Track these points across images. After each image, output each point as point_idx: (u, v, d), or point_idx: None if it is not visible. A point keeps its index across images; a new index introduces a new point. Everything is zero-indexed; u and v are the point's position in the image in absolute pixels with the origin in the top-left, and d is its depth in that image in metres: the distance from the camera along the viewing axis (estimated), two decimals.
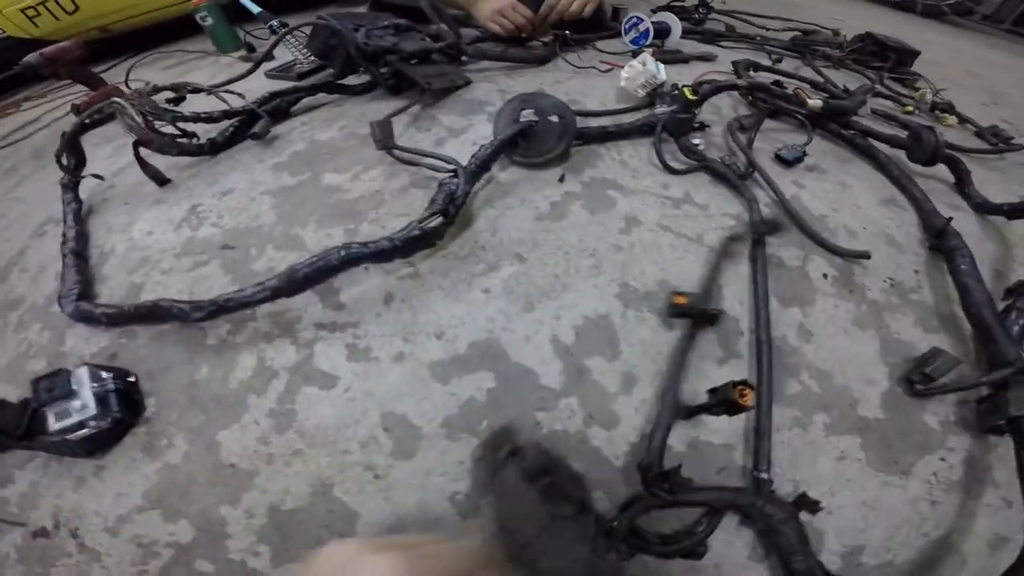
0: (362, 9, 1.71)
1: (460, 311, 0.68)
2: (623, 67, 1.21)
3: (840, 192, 0.94)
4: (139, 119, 0.95)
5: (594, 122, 1.05)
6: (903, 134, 1.01)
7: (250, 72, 1.17)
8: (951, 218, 0.83)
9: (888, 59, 1.62)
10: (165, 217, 0.94)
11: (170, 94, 1.11)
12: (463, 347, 0.64)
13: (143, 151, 1.00)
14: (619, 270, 0.72)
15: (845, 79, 1.48)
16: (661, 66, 1.05)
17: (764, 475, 0.56)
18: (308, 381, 0.63)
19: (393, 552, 0.30)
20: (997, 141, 1.24)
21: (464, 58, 1.32)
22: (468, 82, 1.21)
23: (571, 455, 0.56)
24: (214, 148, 1.05)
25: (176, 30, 2.59)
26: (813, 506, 0.54)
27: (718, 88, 1.00)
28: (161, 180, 0.99)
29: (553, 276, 0.73)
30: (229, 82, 1.14)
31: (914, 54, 1.64)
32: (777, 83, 1.21)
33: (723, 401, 0.53)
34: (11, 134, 1.87)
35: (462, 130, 1.03)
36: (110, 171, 1.12)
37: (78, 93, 1.93)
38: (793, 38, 1.73)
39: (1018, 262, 0.86)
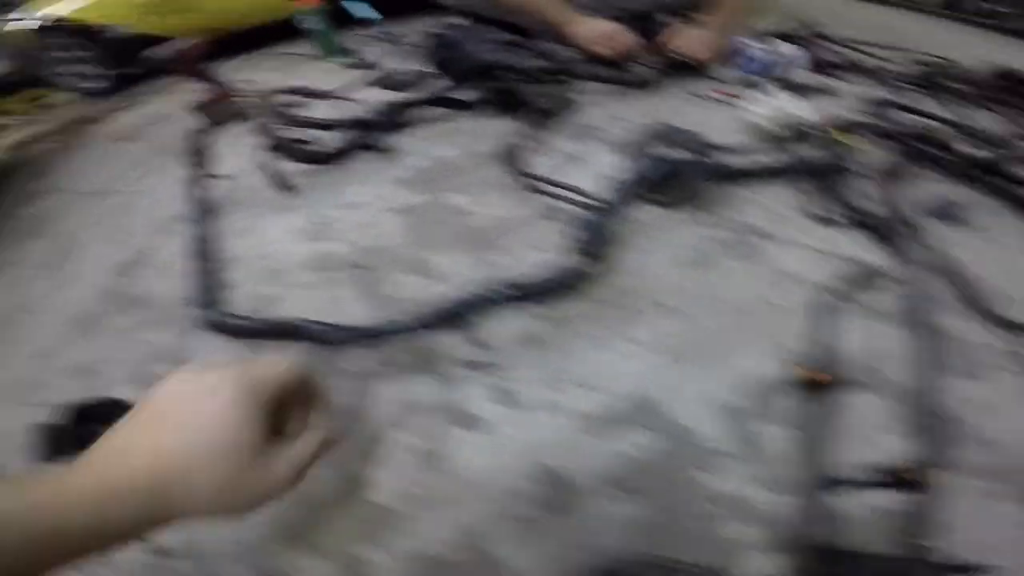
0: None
1: (610, 361, 0.65)
2: (737, 96, 1.15)
3: (996, 251, 0.86)
4: (271, 121, 0.96)
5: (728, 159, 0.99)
6: None
7: (370, 82, 1.18)
8: None
9: None
10: (291, 226, 0.95)
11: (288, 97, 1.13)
12: (615, 400, 0.62)
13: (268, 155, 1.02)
14: (777, 329, 0.68)
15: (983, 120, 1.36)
16: (801, 103, 0.99)
17: (927, 543, 0.50)
18: (456, 422, 0.62)
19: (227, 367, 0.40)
20: None
21: (567, 78, 1.29)
22: (575, 103, 1.19)
23: (730, 516, 0.53)
24: (336, 156, 1.07)
25: (282, 33, 2.68)
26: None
27: (868, 129, 0.93)
28: (287, 185, 1.00)
29: (707, 331, 0.69)
30: (345, 89, 1.16)
31: None
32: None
33: (899, 480, 0.50)
34: (133, 127, 1.99)
35: (580, 157, 1.01)
36: (228, 172, 1.15)
37: (191, 92, 2.02)
38: (921, 72, 1.61)
39: None
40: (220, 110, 1.64)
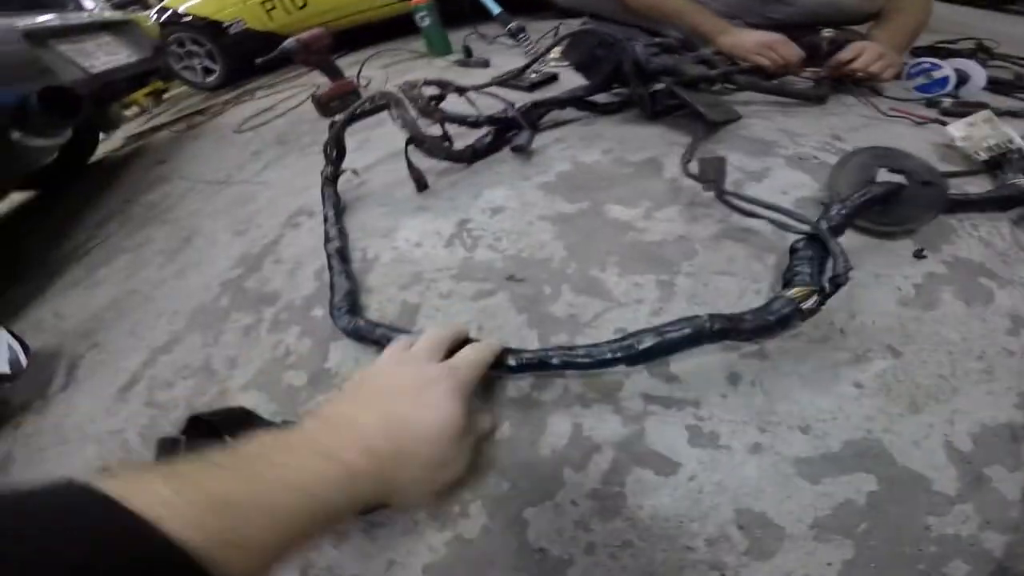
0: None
1: (828, 404, 0.54)
2: (922, 117, 1.00)
3: None
4: (415, 114, 0.93)
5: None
6: None
7: (514, 76, 1.11)
8: None
9: None
10: (432, 228, 0.88)
11: (434, 90, 1.06)
12: (836, 445, 0.50)
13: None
14: (1015, 378, 0.54)
15: None
16: (1005, 126, 0.83)
17: None
18: (640, 462, 0.52)
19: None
20: None
21: (728, 87, 1.17)
22: (739, 116, 1.05)
23: (961, 558, 0.42)
24: (475, 155, 1.02)
25: (391, 31, 2.69)
26: None
27: None
28: (423, 184, 0.95)
29: (938, 377, 0.56)
30: (487, 84, 1.08)
31: None
32: None
33: None
34: (251, 119, 2.01)
35: (761, 174, 0.88)
36: (357, 167, 1.10)
37: (306, 86, 2.03)
38: None
39: None
40: (338, 103, 1.64)
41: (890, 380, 0.56)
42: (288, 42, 1.59)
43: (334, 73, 1.71)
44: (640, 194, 0.85)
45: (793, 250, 0.63)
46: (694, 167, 0.74)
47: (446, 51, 2.09)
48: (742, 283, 0.67)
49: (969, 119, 0.89)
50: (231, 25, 3.18)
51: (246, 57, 3.34)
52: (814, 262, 0.60)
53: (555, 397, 0.59)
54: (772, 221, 0.68)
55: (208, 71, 3.42)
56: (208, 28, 3.22)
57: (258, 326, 0.85)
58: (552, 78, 1.45)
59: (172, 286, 1.08)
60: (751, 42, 1.24)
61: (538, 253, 0.77)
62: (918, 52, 1.49)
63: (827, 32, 1.40)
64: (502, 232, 0.83)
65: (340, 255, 0.85)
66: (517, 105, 1.08)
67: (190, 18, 3.23)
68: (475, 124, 1.03)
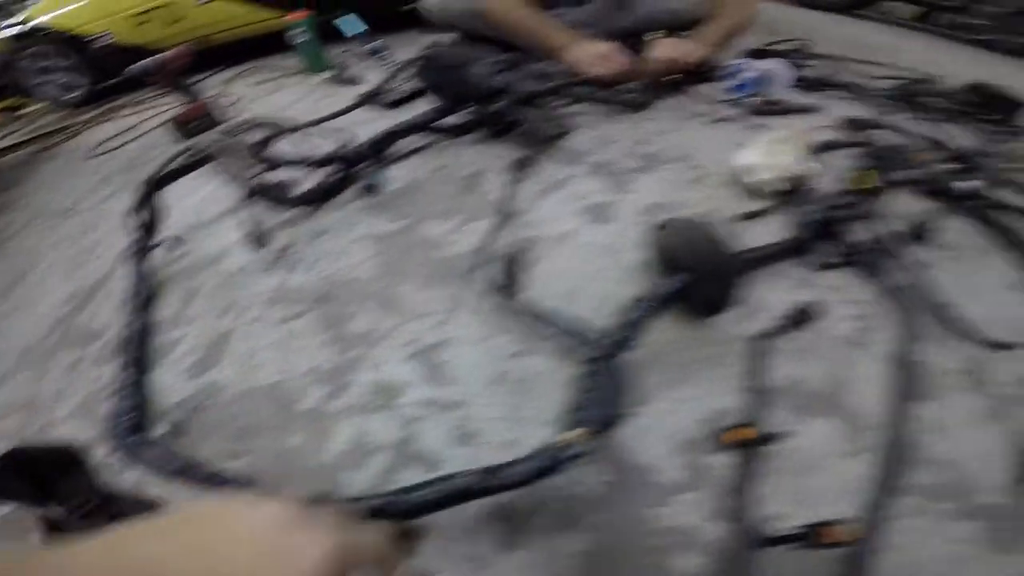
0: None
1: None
2: (731, 119, 1.14)
3: (967, 276, 0.81)
4: (243, 168, 0.93)
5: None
6: None
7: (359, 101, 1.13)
8: None
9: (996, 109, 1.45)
10: (253, 256, 0.92)
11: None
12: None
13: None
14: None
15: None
16: (807, 156, 0.90)
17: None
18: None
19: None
20: None
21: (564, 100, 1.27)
22: (567, 131, 1.16)
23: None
24: (325, 196, 1.00)
25: (267, 46, 2.65)
26: None
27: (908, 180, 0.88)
28: (263, 242, 0.92)
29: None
30: (330, 117, 1.11)
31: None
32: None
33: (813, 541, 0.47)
34: (107, 141, 1.94)
35: (564, 182, 0.99)
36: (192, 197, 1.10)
37: (174, 104, 1.97)
38: (899, 86, 1.59)
39: None
40: (196, 124, 1.61)
41: None
42: (145, 62, 1.55)
43: (193, 95, 1.68)
44: (459, 210, 0.93)
45: (586, 385, 0.58)
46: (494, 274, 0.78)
47: (321, 68, 2.09)
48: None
49: (760, 148, 0.92)
50: (97, 39, 2.98)
51: (113, 72, 3.13)
52: (598, 390, 0.57)
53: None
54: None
55: (69, 87, 3.19)
56: (70, 42, 3.01)
57: (81, 363, 0.86)
58: (416, 94, 1.47)
59: (3, 327, 1.05)
60: (586, 55, 1.35)
61: (351, 273, 0.83)
62: (751, 54, 1.68)
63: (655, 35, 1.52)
64: (321, 254, 0.88)
65: (135, 363, 0.76)
66: (370, 136, 1.09)
67: (49, 32, 3.01)
68: (318, 164, 1.03)
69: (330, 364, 0.71)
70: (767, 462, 0.56)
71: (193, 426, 0.68)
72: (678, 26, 1.61)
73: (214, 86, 2.39)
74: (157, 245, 0.95)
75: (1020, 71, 3.29)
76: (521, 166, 1.00)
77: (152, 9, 2.84)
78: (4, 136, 3.04)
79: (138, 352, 0.78)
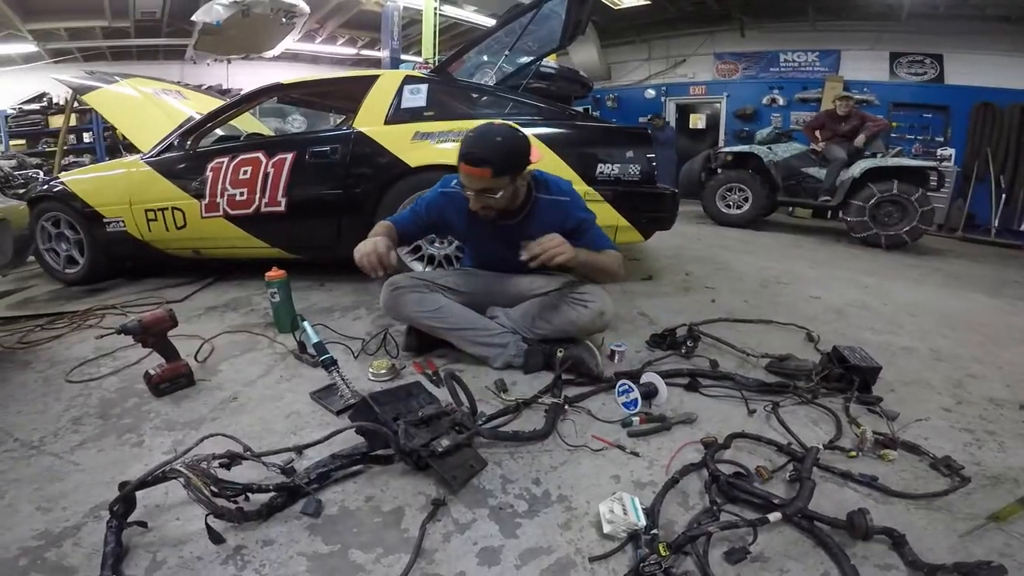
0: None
1: None
2: (615, 446, 1.61)
3: None
4: (207, 493, 1.20)
5: None
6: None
7: (306, 447, 1.49)
8: None
9: (853, 382, 1.98)
10: (212, 548, 1.21)
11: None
12: None
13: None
14: None
15: (816, 417, 1.88)
16: (639, 509, 1.32)
17: None
18: None
19: None
20: (949, 472, 1.54)
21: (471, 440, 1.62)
22: (485, 465, 1.53)
23: None
24: (268, 514, 1.33)
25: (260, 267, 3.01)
26: None
27: (690, 539, 1.22)
28: (219, 540, 1.22)
29: None
30: (276, 452, 1.42)
31: (875, 371, 2.01)
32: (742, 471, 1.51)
33: None
34: (85, 364, 2.20)
35: (467, 525, 1.33)
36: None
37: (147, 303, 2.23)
38: (769, 365, 2.22)
39: None
40: (169, 385, 1.89)
41: None
42: (128, 323, 1.86)
43: (170, 355, 1.97)
44: (378, 543, 1.27)
45: None
46: None
47: (289, 329, 2.45)
48: None
49: (612, 498, 1.36)
50: (111, 222, 3.25)
51: (114, 260, 3.49)
52: None
53: None
54: None
55: (72, 261, 3.45)
56: (88, 216, 3.28)
57: None
58: (362, 401, 1.69)
59: None
60: (360, 247, 1.88)
61: None
62: (650, 341, 2.41)
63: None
64: (267, 561, 1.20)
65: None
66: (307, 466, 1.44)
67: (77, 202, 3.29)
68: (263, 491, 1.31)
69: None
70: None
71: None
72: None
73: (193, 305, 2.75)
74: (129, 525, 1.23)
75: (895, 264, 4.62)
76: (435, 507, 1.36)
77: (165, 209, 3.15)
78: None
79: None
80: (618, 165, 2.75)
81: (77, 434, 1.70)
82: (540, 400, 1.88)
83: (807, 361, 2.23)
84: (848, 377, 2.02)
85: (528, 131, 2.80)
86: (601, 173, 2.76)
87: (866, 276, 4.17)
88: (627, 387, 1.87)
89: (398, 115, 2.98)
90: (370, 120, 2.99)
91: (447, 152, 2.68)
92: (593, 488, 1.47)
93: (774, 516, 1.28)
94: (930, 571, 1.18)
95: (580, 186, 2.63)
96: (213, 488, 1.22)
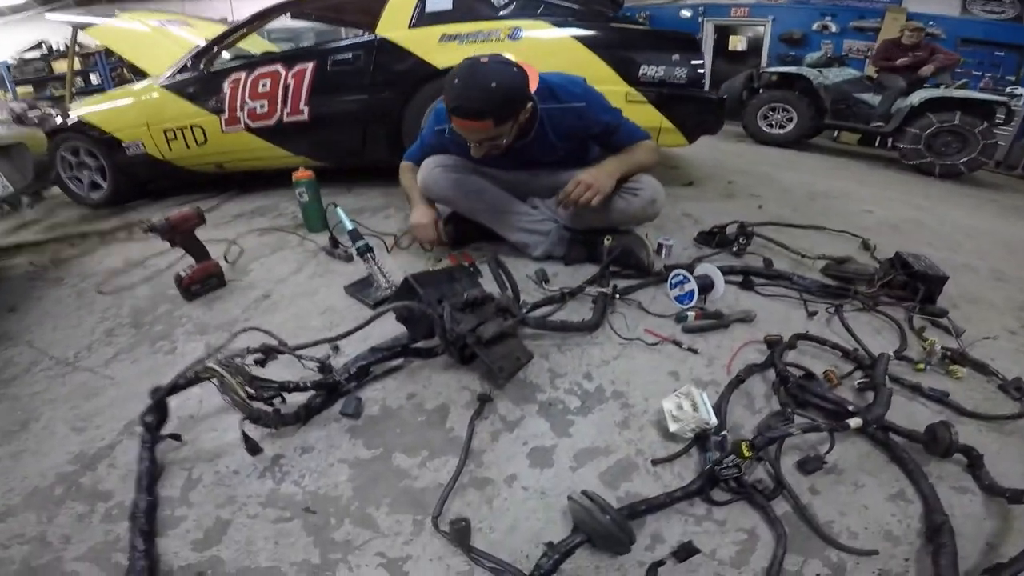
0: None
1: None
2: (669, 340, 1.51)
3: (852, 494, 1.12)
4: (242, 394, 1.11)
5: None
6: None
7: (346, 334, 1.32)
8: (946, 520, 1.01)
9: (917, 290, 1.81)
10: (248, 460, 1.16)
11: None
12: None
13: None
14: None
15: (878, 325, 1.73)
16: (709, 406, 1.21)
17: None
18: None
19: None
20: (1020, 396, 1.40)
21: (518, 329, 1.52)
22: (531, 357, 1.43)
23: None
24: (308, 415, 1.26)
25: (276, 180, 2.95)
26: None
27: (770, 441, 1.13)
28: (257, 449, 1.14)
29: None
30: (312, 344, 1.27)
31: (942, 281, 1.84)
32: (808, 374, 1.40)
33: None
34: (116, 276, 2.18)
35: (515, 423, 1.27)
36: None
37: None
38: (826, 267, 2.05)
39: (1011, 538, 1.03)
40: (200, 287, 1.85)
41: None
42: (156, 221, 1.79)
43: (199, 255, 1.91)
44: (423, 444, 1.21)
45: None
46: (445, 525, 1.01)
47: (320, 229, 2.43)
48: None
49: (677, 393, 1.25)
50: (130, 146, 3.31)
51: (137, 181, 3.56)
52: None
53: None
54: None
55: (95, 186, 3.51)
56: (106, 143, 3.34)
57: (91, 515, 1.08)
58: (404, 282, 1.59)
59: (7, 466, 1.24)
60: (414, 221, 1.93)
61: (332, 491, 1.10)
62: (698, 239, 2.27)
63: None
64: (307, 470, 1.15)
65: (145, 535, 0.99)
66: (346, 361, 1.37)
67: (94, 131, 3.35)
68: (300, 389, 1.23)
69: (316, 560, 0.97)
70: None
71: None
72: None
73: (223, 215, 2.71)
74: (163, 439, 1.18)
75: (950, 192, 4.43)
76: (481, 403, 1.29)
77: (184, 128, 3.16)
78: (21, 226, 3.32)
79: (147, 525, 1.01)
80: (663, 67, 2.58)
81: (110, 346, 1.68)
82: (586, 291, 1.75)
83: (867, 266, 2.05)
84: (912, 285, 1.84)
85: (563, 32, 2.67)
86: (644, 75, 2.59)
87: (920, 199, 3.94)
88: (682, 277, 1.70)
89: (423, 19, 2.83)
90: (394, 26, 2.86)
91: (476, 51, 2.53)
92: (650, 385, 1.38)
93: (854, 422, 1.16)
94: (1014, 496, 1.08)
95: (621, 86, 2.54)
96: (248, 388, 1.13)
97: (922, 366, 1.52)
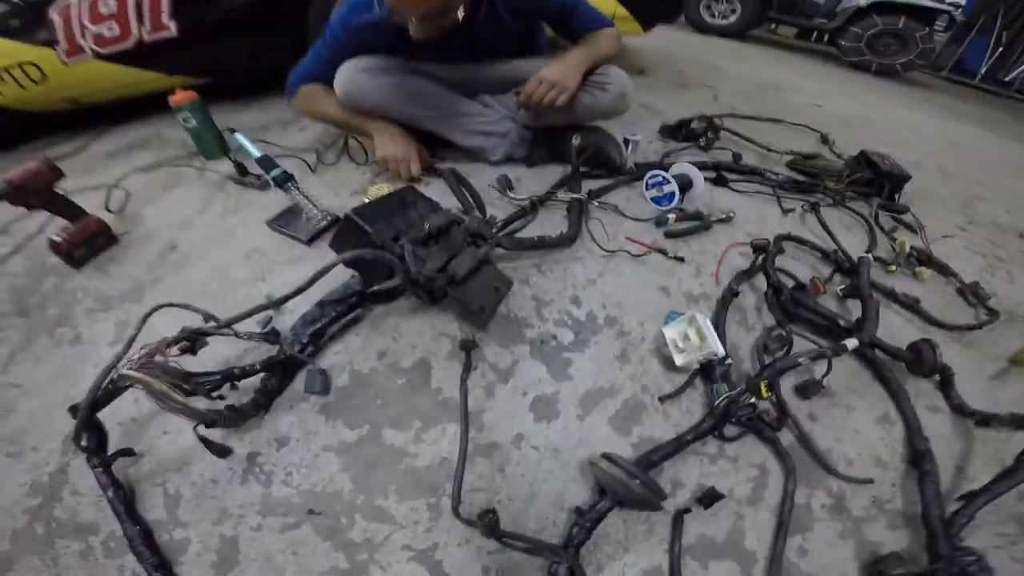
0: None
1: None
2: (654, 248, 1.44)
3: (845, 418, 1.16)
4: (179, 398, 0.84)
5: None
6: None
7: (284, 300, 1.02)
8: (928, 449, 1.08)
9: (882, 187, 1.96)
10: (220, 463, 0.99)
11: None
12: None
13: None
14: None
15: (848, 222, 1.80)
16: (715, 334, 1.14)
17: None
18: None
19: None
20: (976, 302, 1.53)
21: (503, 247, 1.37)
22: (511, 284, 1.27)
23: None
24: (268, 403, 1.05)
25: (152, 105, 2.46)
26: None
27: (780, 372, 1.11)
28: (226, 452, 0.95)
29: None
30: (247, 315, 1.00)
31: (904, 180, 1.97)
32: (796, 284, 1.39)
33: None
34: None
35: (509, 371, 1.15)
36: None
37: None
38: (793, 162, 2.10)
39: (976, 460, 1.12)
40: (86, 250, 1.46)
41: None
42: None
43: (71, 213, 1.46)
44: (412, 414, 1.07)
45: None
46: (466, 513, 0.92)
47: (219, 154, 2.01)
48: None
49: (679, 320, 1.18)
50: None
51: None
52: None
53: None
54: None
55: None
56: None
57: (92, 552, 0.90)
58: (336, 220, 1.48)
59: None
60: (382, 150, 1.63)
61: (329, 487, 0.96)
62: (663, 132, 2.18)
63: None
64: (291, 466, 0.99)
65: (156, 565, 0.86)
66: (293, 324, 1.14)
67: None
68: (248, 374, 1.01)
69: (344, 565, 0.88)
70: None
71: None
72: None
73: (90, 160, 2.23)
74: (113, 458, 0.94)
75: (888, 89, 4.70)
76: (467, 353, 1.13)
77: (11, 67, 2.55)
78: None
79: (154, 556, 0.87)
80: None
81: (1, 346, 1.28)
82: (556, 197, 1.61)
83: (834, 162, 2.13)
84: (877, 183, 1.96)
85: None
86: None
87: (864, 95, 4.20)
88: (661, 179, 1.61)
89: None
90: None
91: None
92: (643, 305, 1.31)
93: (851, 343, 1.16)
94: (983, 419, 1.14)
95: None
96: (184, 386, 0.88)
97: (893, 268, 1.59)
